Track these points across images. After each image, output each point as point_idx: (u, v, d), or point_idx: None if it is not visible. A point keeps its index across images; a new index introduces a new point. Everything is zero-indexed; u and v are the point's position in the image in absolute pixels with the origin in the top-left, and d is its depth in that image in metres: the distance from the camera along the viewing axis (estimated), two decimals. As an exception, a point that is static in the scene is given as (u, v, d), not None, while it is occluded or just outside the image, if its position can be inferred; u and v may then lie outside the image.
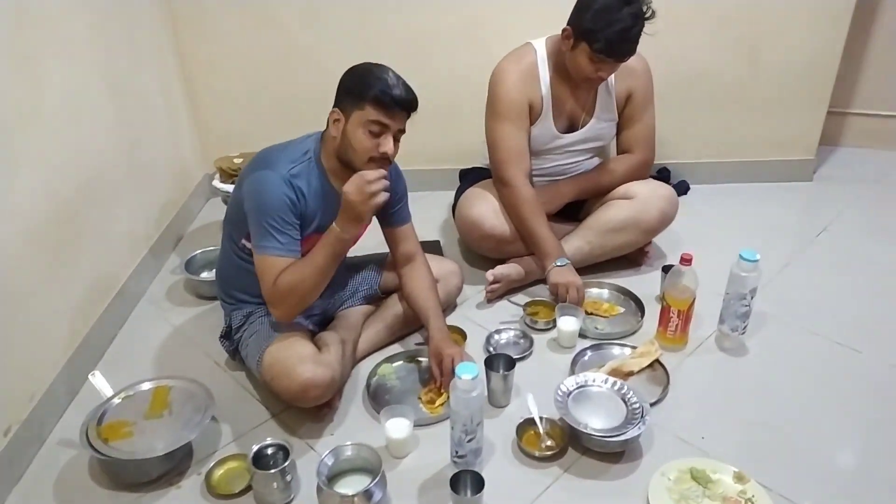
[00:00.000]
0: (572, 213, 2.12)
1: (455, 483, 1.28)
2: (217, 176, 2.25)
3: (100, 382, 1.51)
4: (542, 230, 1.92)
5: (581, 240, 2.01)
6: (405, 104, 1.45)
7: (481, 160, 2.19)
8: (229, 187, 2.15)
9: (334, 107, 1.48)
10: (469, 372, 1.29)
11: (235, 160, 2.23)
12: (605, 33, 1.69)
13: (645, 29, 1.72)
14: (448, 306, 1.90)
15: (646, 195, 1.98)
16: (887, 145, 2.86)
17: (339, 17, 2.39)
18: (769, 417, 1.54)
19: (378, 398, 1.62)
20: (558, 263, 1.87)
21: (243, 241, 1.59)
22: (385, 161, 1.47)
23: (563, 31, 1.81)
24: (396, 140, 1.48)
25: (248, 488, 1.37)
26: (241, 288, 1.67)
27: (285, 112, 2.49)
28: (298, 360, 1.46)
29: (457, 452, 1.39)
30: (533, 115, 1.95)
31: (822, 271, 2.11)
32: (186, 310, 2.00)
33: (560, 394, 1.51)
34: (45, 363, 1.57)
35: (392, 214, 1.71)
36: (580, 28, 1.74)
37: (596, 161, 2.10)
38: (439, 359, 1.58)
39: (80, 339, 1.69)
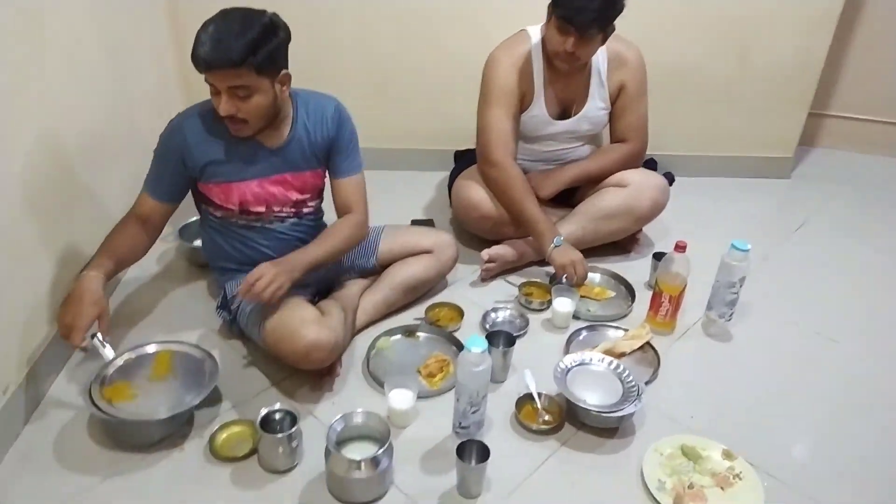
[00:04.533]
0: (565, 199, 2.16)
1: (461, 452, 1.32)
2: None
3: (99, 345, 1.48)
4: (535, 210, 1.95)
5: (574, 224, 2.05)
6: (208, 64, 1.34)
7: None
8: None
9: None
10: (479, 345, 1.32)
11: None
12: None
13: (623, 14, 1.76)
14: (441, 278, 1.92)
15: (639, 183, 2.04)
16: (861, 148, 2.98)
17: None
18: (753, 401, 1.62)
19: (377, 372, 1.64)
20: (556, 244, 1.91)
21: (203, 206, 1.67)
22: (235, 120, 1.44)
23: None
24: (240, 97, 1.39)
25: (252, 452, 1.38)
26: (223, 256, 1.69)
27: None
28: (301, 322, 1.47)
29: (460, 423, 1.43)
30: (525, 102, 1.98)
31: (800, 265, 2.20)
32: (180, 277, 1.98)
33: (559, 370, 1.56)
34: (42, 322, 1.54)
35: (335, 164, 1.66)
36: None
37: (588, 148, 2.14)
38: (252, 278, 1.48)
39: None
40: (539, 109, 1.98)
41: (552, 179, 2.09)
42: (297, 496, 1.32)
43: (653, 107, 2.10)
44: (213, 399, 1.51)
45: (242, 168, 1.56)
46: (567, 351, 1.73)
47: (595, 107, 2.03)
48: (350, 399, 1.56)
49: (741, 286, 1.75)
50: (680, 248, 1.74)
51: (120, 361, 1.46)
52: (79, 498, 1.29)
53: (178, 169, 1.54)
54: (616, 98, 2.04)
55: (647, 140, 2.11)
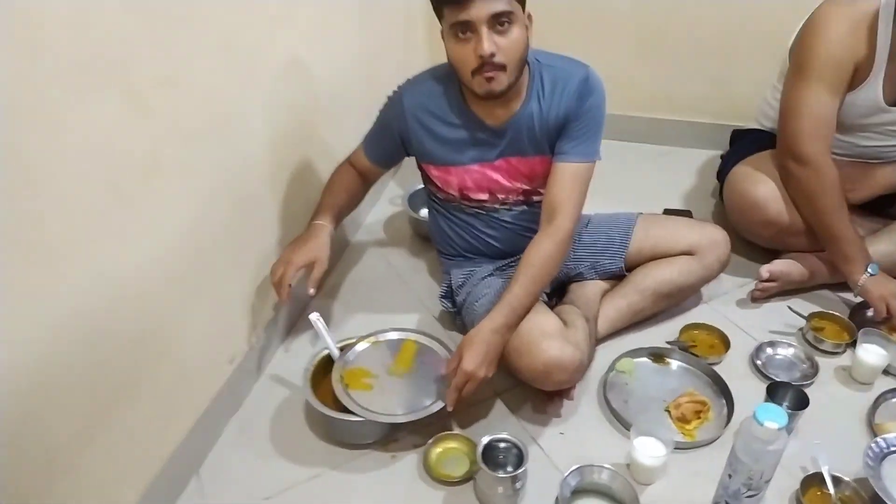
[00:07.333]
0: (879, 208, 1.66)
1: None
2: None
3: (320, 326, 1.34)
4: (846, 227, 1.50)
5: (893, 244, 1.56)
6: None
7: (762, 121, 1.77)
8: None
9: None
10: (775, 419, 0.99)
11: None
12: None
13: None
14: (703, 284, 1.56)
15: None
16: None
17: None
18: None
19: (615, 400, 1.36)
20: (871, 272, 1.45)
21: (427, 185, 1.52)
22: (492, 66, 1.18)
23: None
24: (499, 31, 1.16)
25: (470, 477, 1.21)
26: (447, 241, 1.54)
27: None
28: (542, 334, 1.25)
29: (726, 503, 1.11)
30: (856, 79, 1.48)
31: None
32: (405, 248, 1.85)
33: (872, 451, 1.16)
34: (271, 290, 1.48)
35: (561, 144, 1.32)
36: None
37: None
38: (456, 359, 1.21)
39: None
40: (873, 92, 1.48)
41: (869, 181, 1.61)
42: (516, 545, 1.13)
43: None
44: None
45: (460, 150, 1.37)
46: (872, 419, 1.31)
47: None
48: (581, 432, 1.32)
49: None
50: None
51: (364, 345, 1.35)
52: (285, 494, 1.21)
53: (394, 140, 1.43)
54: None
55: None
